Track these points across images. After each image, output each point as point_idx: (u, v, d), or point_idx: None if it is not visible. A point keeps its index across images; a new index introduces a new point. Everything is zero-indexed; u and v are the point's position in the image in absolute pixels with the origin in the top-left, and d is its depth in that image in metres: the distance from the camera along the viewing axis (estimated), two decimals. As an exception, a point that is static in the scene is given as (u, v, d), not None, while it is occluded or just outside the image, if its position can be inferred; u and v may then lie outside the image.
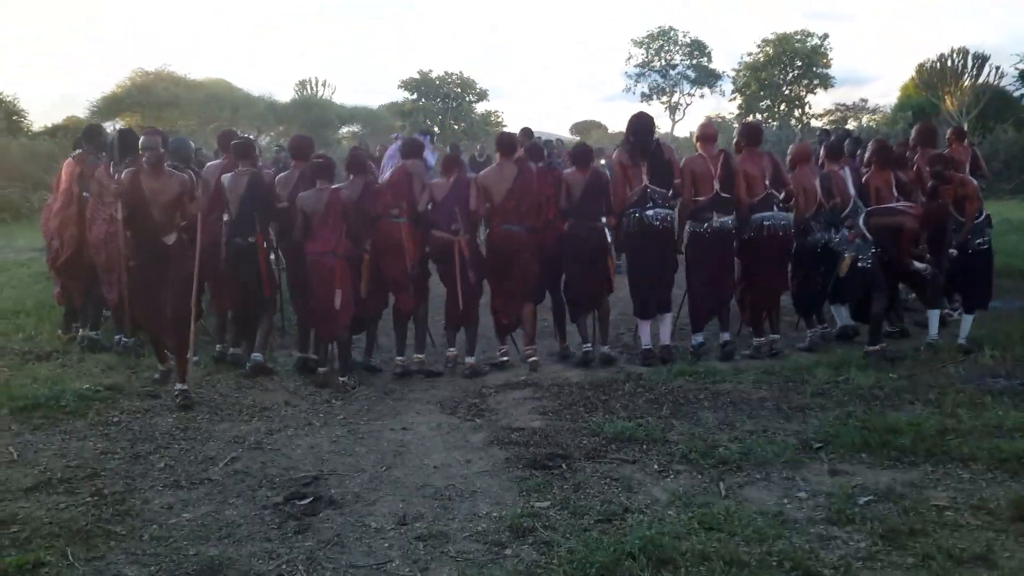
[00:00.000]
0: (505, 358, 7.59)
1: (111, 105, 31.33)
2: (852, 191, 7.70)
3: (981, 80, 29.14)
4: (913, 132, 9.34)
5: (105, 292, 7.61)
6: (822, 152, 8.45)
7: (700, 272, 7.58)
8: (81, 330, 7.95)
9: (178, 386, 6.38)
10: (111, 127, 28.73)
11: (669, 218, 7.47)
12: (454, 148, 14.96)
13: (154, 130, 6.67)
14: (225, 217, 7.27)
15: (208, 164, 8.03)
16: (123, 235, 6.54)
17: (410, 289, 7.34)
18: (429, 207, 7.34)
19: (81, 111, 31.11)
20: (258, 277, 7.16)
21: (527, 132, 10.39)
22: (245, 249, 7.10)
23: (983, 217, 7.61)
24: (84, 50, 77.05)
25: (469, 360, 7.38)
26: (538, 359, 7.52)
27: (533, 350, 7.58)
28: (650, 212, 7.36)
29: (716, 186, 7.40)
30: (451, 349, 7.55)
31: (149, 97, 31.00)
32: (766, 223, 7.43)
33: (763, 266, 7.57)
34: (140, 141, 6.40)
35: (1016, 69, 29.68)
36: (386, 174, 7.85)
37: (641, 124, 7.56)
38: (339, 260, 6.89)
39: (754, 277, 7.68)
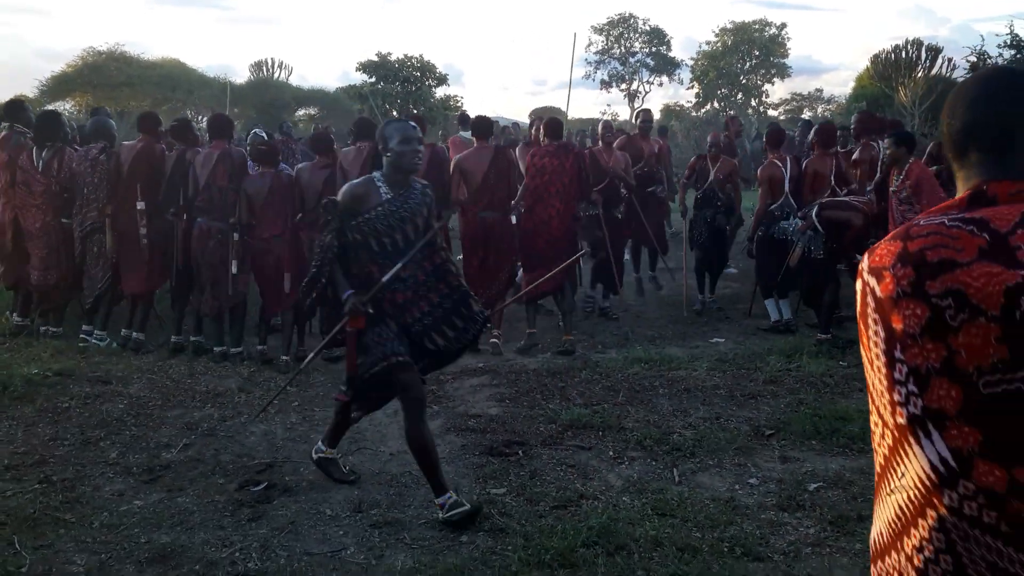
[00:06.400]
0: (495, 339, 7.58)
1: (61, 85, 30.55)
2: (787, 186, 7.84)
3: (934, 72, 29.57)
4: (854, 121, 9.38)
5: (35, 276, 7.59)
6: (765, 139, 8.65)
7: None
8: (15, 316, 7.88)
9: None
10: (62, 108, 28.21)
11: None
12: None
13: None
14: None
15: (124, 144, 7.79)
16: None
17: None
18: None
19: (30, 90, 30.36)
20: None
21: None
22: (167, 224, 7.30)
23: None
24: (34, 28, 75.39)
25: None
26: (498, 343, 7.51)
27: (498, 334, 7.58)
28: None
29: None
30: None
31: (101, 77, 30.29)
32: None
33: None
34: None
35: (968, 62, 30.16)
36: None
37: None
38: (287, 244, 7.01)
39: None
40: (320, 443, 4.70)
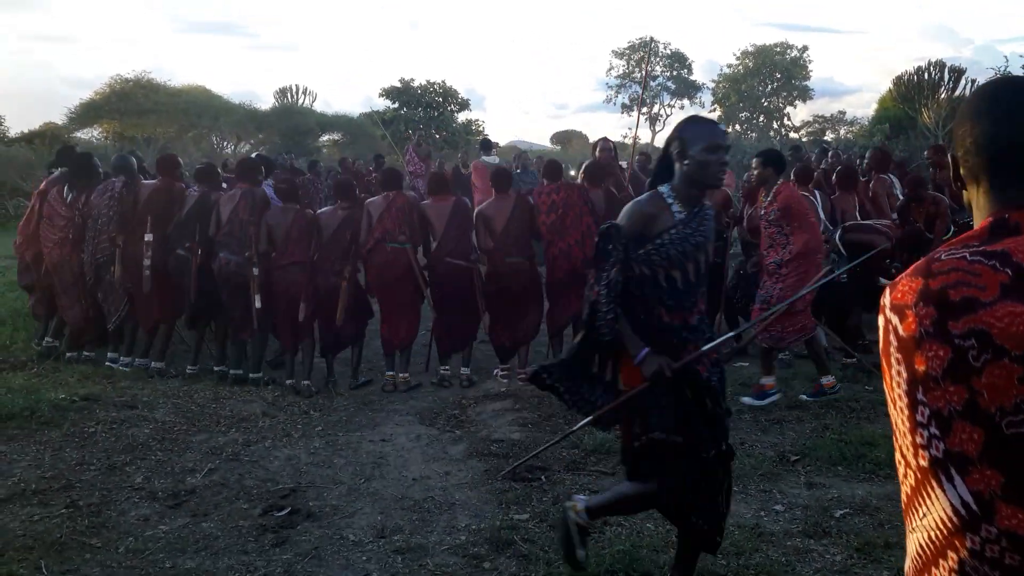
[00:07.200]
0: (505, 379, 7.44)
1: (89, 112, 31.02)
2: (822, 215, 7.80)
3: (957, 93, 29.43)
4: (867, 158, 9.41)
5: (63, 312, 7.81)
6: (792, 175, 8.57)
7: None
8: (46, 338, 8.00)
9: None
10: (89, 135, 28.66)
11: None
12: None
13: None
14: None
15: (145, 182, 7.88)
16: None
17: (412, 319, 7.44)
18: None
19: (59, 117, 30.87)
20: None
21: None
22: (183, 259, 7.33)
23: (951, 234, 7.71)
24: (61, 56, 76.77)
25: (465, 371, 7.43)
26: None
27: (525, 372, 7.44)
28: None
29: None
30: (445, 368, 7.51)
31: (128, 104, 30.74)
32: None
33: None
34: None
35: (991, 83, 29.93)
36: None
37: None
38: (305, 273, 7.10)
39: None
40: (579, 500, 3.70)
